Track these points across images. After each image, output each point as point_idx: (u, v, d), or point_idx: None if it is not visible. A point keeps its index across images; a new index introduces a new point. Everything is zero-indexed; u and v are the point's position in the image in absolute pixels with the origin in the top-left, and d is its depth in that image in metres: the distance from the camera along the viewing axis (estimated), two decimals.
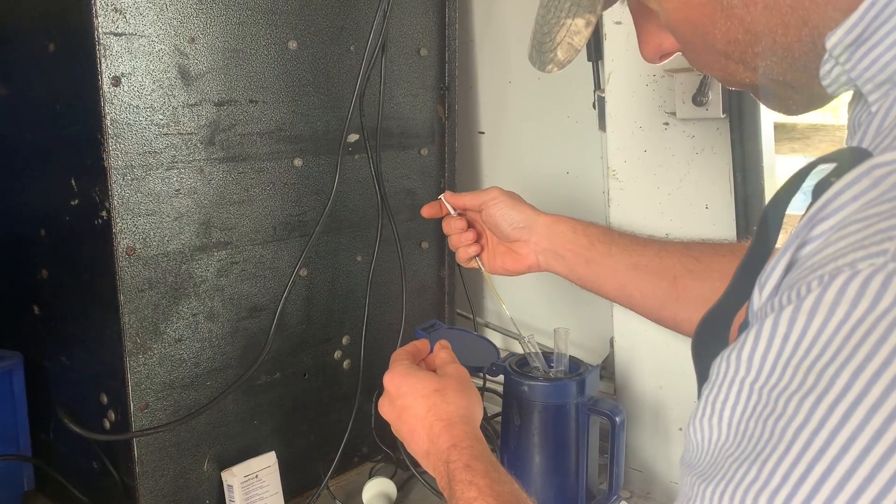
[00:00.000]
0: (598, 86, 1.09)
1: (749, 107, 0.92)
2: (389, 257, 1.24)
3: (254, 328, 1.07)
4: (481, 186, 1.47)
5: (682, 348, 1.08)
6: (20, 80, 1.02)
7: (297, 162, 1.09)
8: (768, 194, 0.95)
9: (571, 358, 1.03)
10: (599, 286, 0.92)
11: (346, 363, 1.20)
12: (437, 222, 1.33)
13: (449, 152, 1.33)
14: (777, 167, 1.04)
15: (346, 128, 1.11)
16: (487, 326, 1.48)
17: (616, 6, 0.63)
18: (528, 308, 1.38)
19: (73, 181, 0.95)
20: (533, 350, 1.02)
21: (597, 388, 1.02)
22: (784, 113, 0.55)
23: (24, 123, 1.03)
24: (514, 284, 1.41)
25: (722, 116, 0.93)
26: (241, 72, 1.00)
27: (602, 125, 1.07)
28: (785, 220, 0.48)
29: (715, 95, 0.91)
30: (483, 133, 1.43)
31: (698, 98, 0.91)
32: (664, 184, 1.02)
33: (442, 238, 1.35)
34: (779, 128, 1.24)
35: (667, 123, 0.99)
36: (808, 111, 0.54)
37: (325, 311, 1.17)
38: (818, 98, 0.52)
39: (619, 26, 1.02)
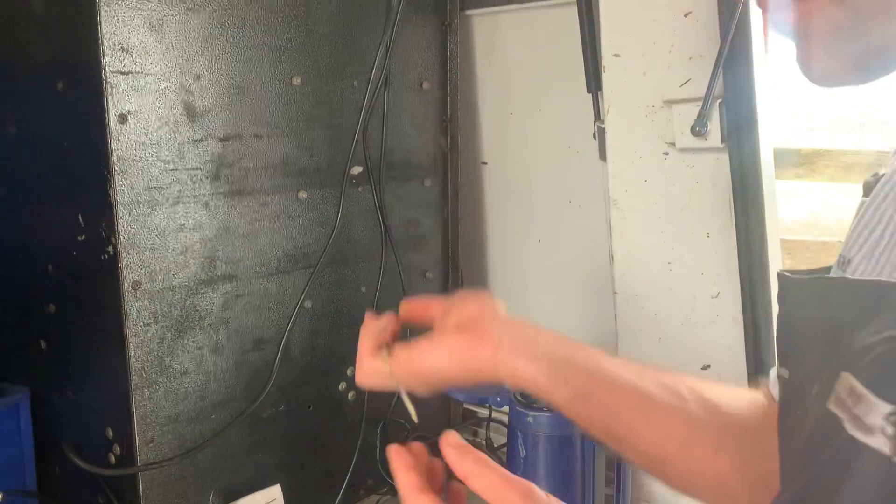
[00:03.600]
0: (597, 116, 1.10)
1: (748, 135, 0.93)
2: (394, 287, 1.24)
3: (258, 361, 1.07)
4: (485, 216, 1.48)
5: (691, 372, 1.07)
6: (29, 118, 1.04)
7: (302, 195, 1.10)
8: (769, 220, 0.95)
9: None
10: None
11: (350, 395, 1.20)
12: (443, 251, 1.34)
13: (452, 183, 1.34)
14: (779, 193, 1.05)
15: (349, 160, 1.12)
16: None
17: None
18: None
19: (80, 217, 0.96)
20: None
21: None
22: (821, 81, 0.47)
23: (33, 160, 1.05)
24: (518, 301, 1.41)
25: (721, 146, 0.94)
26: (246, 107, 1.02)
27: (602, 155, 1.08)
28: None
29: (713, 125, 0.92)
30: (486, 163, 1.44)
31: (697, 128, 0.92)
32: (665, 213, 1.02)
33: (446, 267, 1.36)
34: (780, 153, 1.25)
35: (666, 153, 1.00)
36: (845, 83, 0.48)
37: (329, 342, 1.17)
38: (871, 70, 0.46)
39: (617, 59, 1.03)
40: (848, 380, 0.41)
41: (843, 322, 0.43)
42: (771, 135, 0.95)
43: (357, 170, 1.17)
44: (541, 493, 0.50)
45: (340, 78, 1.13)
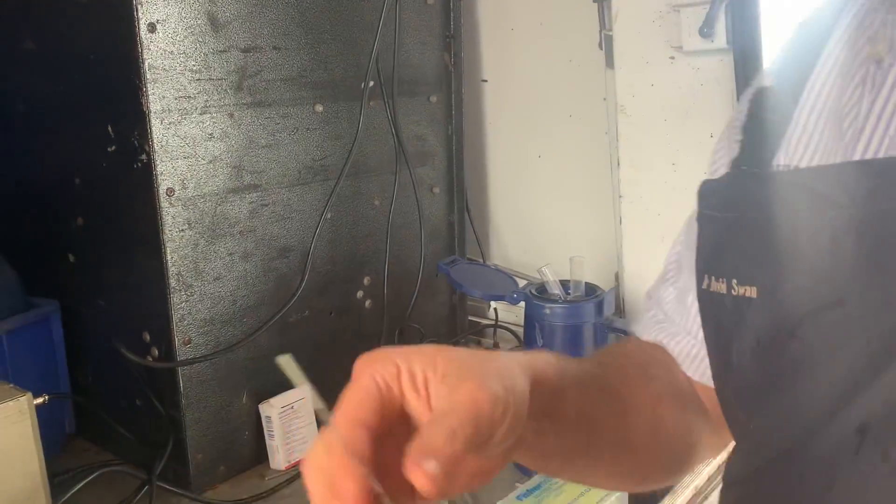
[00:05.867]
0: (604, 25, 1.14)
1: (751, 36, 0.98)
2: (405, 201, 1.29)
3: (284, 268, 1.12)
4: (486, 133, 1.52)
5: None
6: (50, 33, 1.05)
7: (318, 108, 1.13)
8: None
9: (587, 284, 1.09)
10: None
11: (367, 303, 1.26)
12: (447, 167, 1.39)
13: (456, 100, 1.38)
14: None
15: (367, 74, 1.16)
16: (497, 269, 1.54)
17: None
18: (534, 246, 1.45)
19: (109, 128, 0.99)
20: (551, 278, 1.08)
21: (612, 310, 1.09)
22: None
23: (54, 76, 1.06)
24: (519, 215, 1.47)
25: (726, 47, 0.99)
26: (265, 19, 1.04)
27: (610, 63, 1.12)
28: None
29: (719, 27, 0.97)
30: (486, 81, 1.48)
31: (704, 30, 0.97)
32: (670, 116, 1.08)
33: (451, 183, 1.40)
34: None
35: (673, 57, 1.05)
36: None
37: (346, 252, 1.22)
38: None
39: None
40: None
41: None
42: (773, 36, 1.00)
43: (369, 84, 1.20)
44: None
45: None
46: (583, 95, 1.34)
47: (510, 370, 0.43)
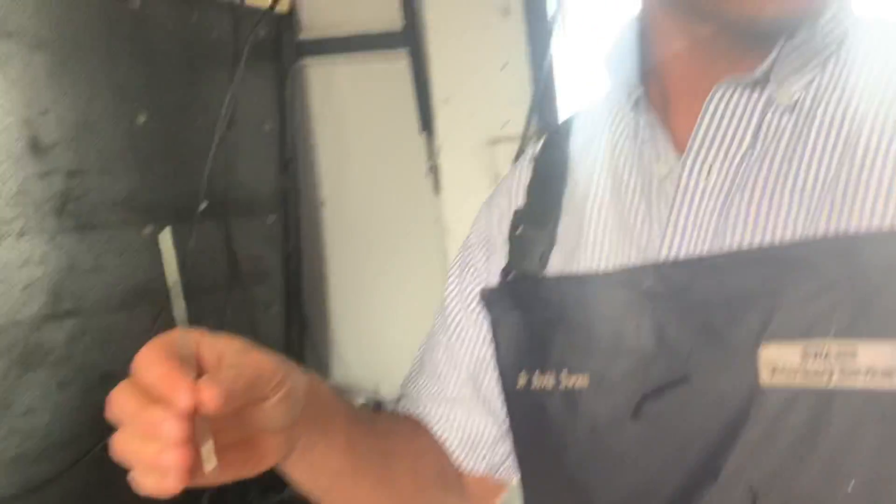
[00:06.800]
0: (430, 155, 1.22)
1: None
2: (238, 321, 1.28)
3: (105, 397, 1.06)
4: (325, 253, 1.55)
5: None
6: None
7: (147, 230, 1.12)
8: None
9: None
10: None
11: None
12: (285, 286, 1.39)
13: (293, 221, 1.40)
14: None
15: (200, 197, 1.16)
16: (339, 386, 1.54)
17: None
18: (374, 361, 1.46)
19: None
20: (387, 394, 1.10)
21: None
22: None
23: None
24: (363, 331, 1.48)
25: None
26: (93, 143, 1.03)
27: (437, 189, 1.19)
28: None
29: None
30: (324, 203, 1.52)
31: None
32: None
33: (290, 301, 1.41)
34: None
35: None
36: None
37: None
38: None
39: (446, 103, 1.16)
40: None
41: None
42: None
43: (201, 206, 1.20)
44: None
45: (184, 117, 1.17)
46: (415, 218, 1.40)
47: (293, 365, 0.49)
